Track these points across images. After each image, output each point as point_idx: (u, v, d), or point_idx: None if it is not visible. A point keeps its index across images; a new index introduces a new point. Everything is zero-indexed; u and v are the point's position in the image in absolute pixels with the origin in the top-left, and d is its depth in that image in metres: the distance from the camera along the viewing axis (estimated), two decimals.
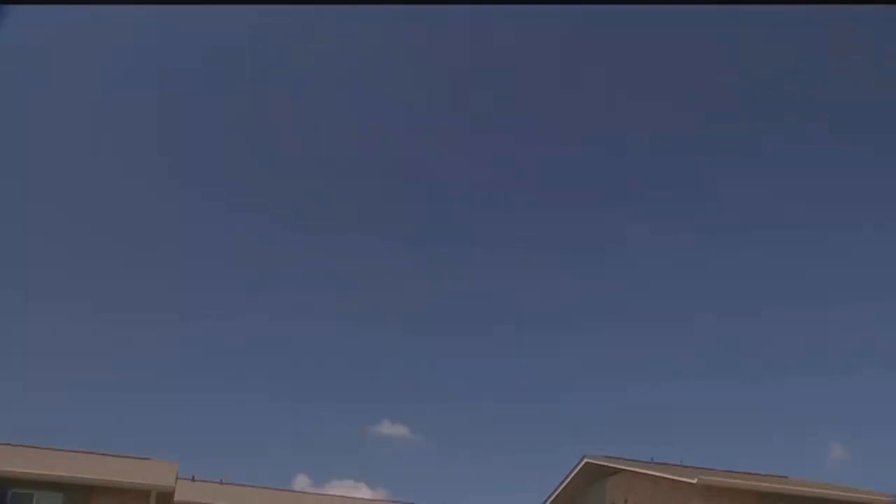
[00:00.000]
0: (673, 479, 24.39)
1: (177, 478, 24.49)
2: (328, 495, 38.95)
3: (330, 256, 66.32)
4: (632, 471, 26.73)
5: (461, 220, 66.03)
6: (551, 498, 30.30)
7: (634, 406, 73.66)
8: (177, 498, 25.55)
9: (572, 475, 29.10)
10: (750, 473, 27.84)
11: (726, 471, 27.25)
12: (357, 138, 57.77)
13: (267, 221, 63.33)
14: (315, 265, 68.20)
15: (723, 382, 72.71)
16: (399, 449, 76.80)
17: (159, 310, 68.25)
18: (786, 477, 29.55)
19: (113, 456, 26.16)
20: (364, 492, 62.36)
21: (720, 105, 51.42)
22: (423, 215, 66.70)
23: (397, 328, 77.99)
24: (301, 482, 74.76)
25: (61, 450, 26.17)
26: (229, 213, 61.54)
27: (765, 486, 24.78)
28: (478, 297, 74.58)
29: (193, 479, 31.87)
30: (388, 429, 77.53)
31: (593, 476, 28.50)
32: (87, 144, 52.02)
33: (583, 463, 28.50)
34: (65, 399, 70.00)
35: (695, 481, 23.23)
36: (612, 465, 27.60)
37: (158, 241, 62.46)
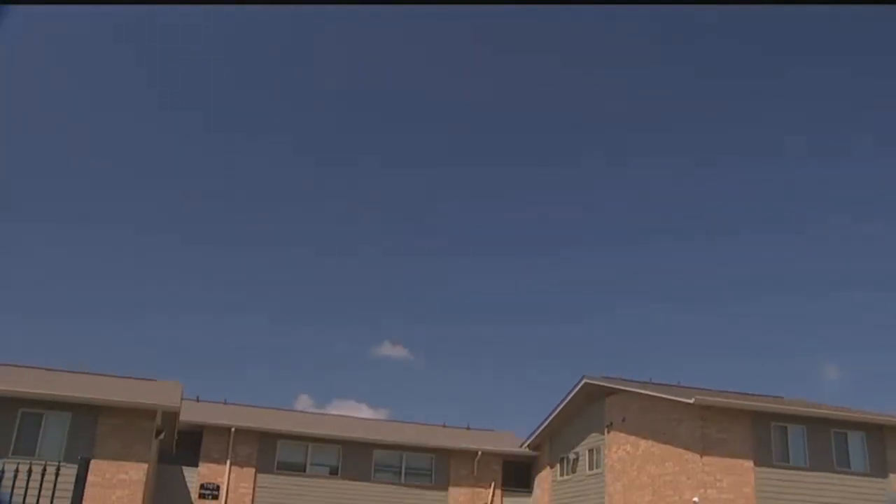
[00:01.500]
0: (670, 399, 24.78)
1: (181, 398, 24.88)
2: (330, 414, 39.70)
3: (337, 179, 66.40)
4: (629, 391, 27.15)
5: (459, 144, 65.80)
6: (550, 417, 30.88)
7: (634, 328, 74.44)
8: (182, 418, 26.01)
9: (571, 395, 29.59)
10: (746, 394, 28.35)
11: (722, 391, 27.73)
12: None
13: (290, 153, 63.39)
14: (321, 191, 68.15)
15: (721, 305, 73.40)
16: (399, 369, 77.83)
17: (160, 231, 68.31)
18: (781, 398, 30.11)
19: (119, 377, 26.53)
20: (365, 411, 63.48)
21: None
22: (420, 142, 66.55)
23: (398, 250, 78.32)
24: (303, 402, 75.91)
25: (69, 371, 26.54)
26: (249, 140, 61.59)
27: (760, 405, 25.22)
28: (477, 219, 74.64)
29: (198, 400, 32.41)
30: (388, 350, 78.47)
31: (592, 396, 28.98)
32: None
33: (582, 383, 28.94)
34: (70, 324, 70.60)
35: (692, 401, 23.61)
36: (610, 385, 28.03)
37: (158, 165, 62.24)
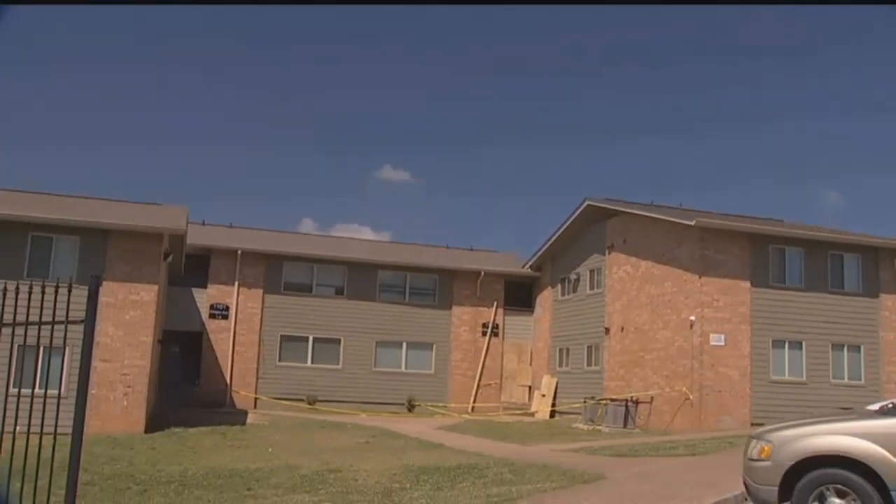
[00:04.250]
0: (671, 221, 25.00)
1: (187, 221, 25.12)
2: (335, 237, 40.24)
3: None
4: (631, 213, 27.35)
5: None
6: (552, 239, 31.31)
7: (635, 154, 74.11)
8: (189, 241, 26.39)
9: (573, 217, 29.87)
10: (745, 216, 28.57)
11: (723, 213, 27.94)
12: None
13: None
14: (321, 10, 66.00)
15: (723, 129, 72.73)
16: (402, 193, 78.14)
17: (163, 63, 66.78)
18: (780, 221, 30.38)
19: (126, 202, 26.69)
20: (368, 235, 64.33)
21: None
22: None
23: (399, 73, 76.72)
24: (307, 225, 76.88)
25: (78, 196, 26.68)
26: None
27: (759, 228, 25.48)
28: (485, 43, 72.64)
29: (204, 224, 32.76)
30: (390, 173, 78.54)
31: (594, 218, 29.24)
32: None
33: (584, 205, 29.14)
34: (78, 152, 70.32)
35: (692, 223, 23.83)
36: (611, 207, 28.23)
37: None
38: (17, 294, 5.85)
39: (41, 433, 5.96)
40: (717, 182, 78.22)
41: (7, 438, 5.85)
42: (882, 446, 8.18)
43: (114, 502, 12.51)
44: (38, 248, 21.76)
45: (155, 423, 22.26)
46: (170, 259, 24.53)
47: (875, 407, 10.46)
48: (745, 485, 9.26)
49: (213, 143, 78.55)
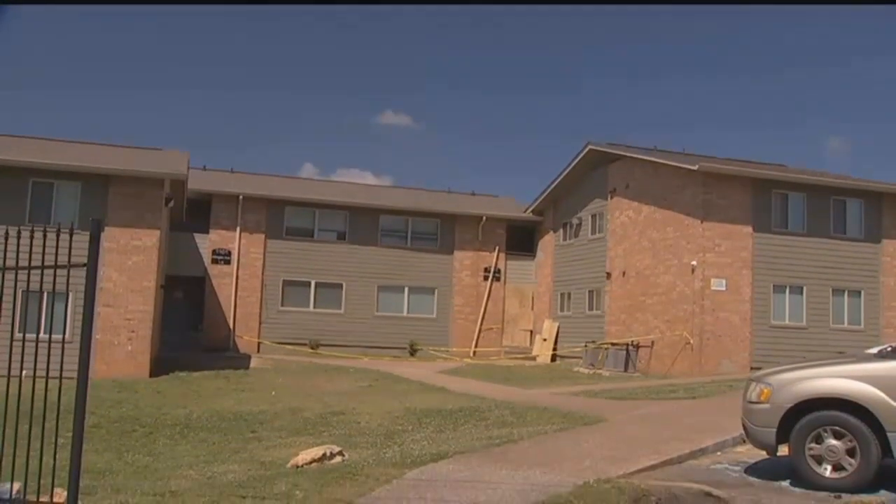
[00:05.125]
0: (674, 166, 24.88)
1: (188, 166, 25.03)
2: (336, 181, 40.12)
3: None
4: (634, 157, 27.21)
5: None
6: (554, 183, 31.21)
7: (638, 99, 73.37)
8: (190, 186, 26.33)
9: (575, 162, 29.73)
10: (749, 161, 28.42)
11: (726, 158, 27.78)
12: None
13: None
14: None
15: (728, 74, 71.87)
16: (402, 137, 77.67)
17: (162, 7, 65.76)
18: (784, 165, 30.23)
19: (127, 147, 26.57)
20: (369, 179, 64.15)
21: None
22: None
23: (399, 16, 75.65)
24: (308, 171, 76.60)
25: (79, 142, 26.54)
26: None
27: (763, 172, 25.38)
28: None
29: (205, 169, 32.66)
30: (390, 118, 77.95)
31: (596, 163, 29.11)
32: None
33: (586, 149, 28.97)
34: (77, 96, 69.69)
35: (695, 167, 23.72)
36: (614, 151, 28.08)
37: None
38: (18, 238, 5.84)
39: (47, 377, 6.01)
40: (721, 127, 77.70)
41: (14, 383, 5.91)
42: (880, 389, 8.25)
43: (120, 444, 12.69)
44: (39, 194, 21.74)
45: (159, 367, 22.48)
46: (171, 204, 24.50)
47: (874, 351, 10.52)
48: (744, 427, 9.37)
49: (212, 88, 77.94)
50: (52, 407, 5.82)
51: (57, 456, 5.99)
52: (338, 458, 10.06)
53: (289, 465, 9.84)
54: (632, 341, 25.67)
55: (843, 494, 8.04)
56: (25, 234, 5.95)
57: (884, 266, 25.15)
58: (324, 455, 9.96)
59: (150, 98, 74.65)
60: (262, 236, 30.31)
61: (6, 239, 5.98)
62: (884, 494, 8.09)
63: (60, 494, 5.88)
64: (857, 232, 25.14)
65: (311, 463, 9.71)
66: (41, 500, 5.85)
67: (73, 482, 5.74)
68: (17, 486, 5.99)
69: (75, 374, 5.75)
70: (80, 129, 73.07)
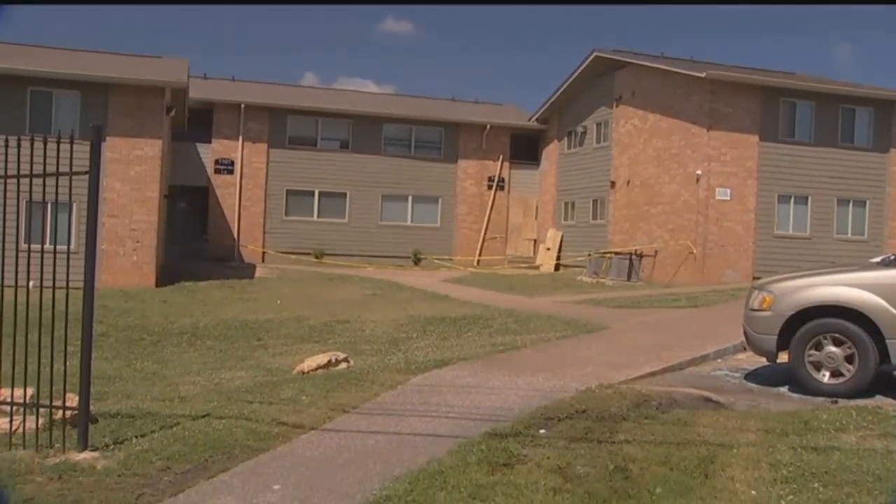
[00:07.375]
0: (681, 73, 24.47)
1: (188, 74, 24.69)
2: (339, 89, 39.67)
3: None
4: (640, 65, 26.75)
5: None
6: (559, 91, 30.80)
7: (646, 8, 71.73)
8: (191, 95, 26.05)
9: (581, 68, 29.26)
10: (757, 69, 27.93)
11: (734, 66, 27.32)
12: None
13: None
14: None
15: None
16: (404, 45, 76.34)
17: None
18: (792, 73, 29.73)
19: (126, 55, 26.16)
20: (371, 88, 63.34)
21: None
22: None
23: None
24: (309, 79, 75.58)
25: (78, 50, 26.12)
26: None
27: (771, 80, 24.95)
28: None
29: (205, 77, 32.25)
30: (391, 25, 76.44)
31: (602, 70, 28.64)
32: None
33: (592, 56, 28.48)
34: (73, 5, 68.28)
35: (703, 75, 23.35)
36: (620, 58, 27.58)
37: None
38: (18, 146, 5.80)
39: (53, 287, 6.06)
40: (729, 36, 76.10)
41: (21, 293, 5.96)
42: (881, 296, 8.31)
43: (129, 352, 12.90)
44: (39, 103, 21.54)
45: (165, 277, 22.66)
46: (172, 113, 24.26)
47: (877, 260, 10.53)
48: (745, 334, 9.47)
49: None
50: (60, 316, 5.88)
51: (67, 363, 6.10)
52: (343, 365, 10.23)
53: (295, 372, 10.02)
54: (635, 250, 25.74)
55: (840, 400, 8.18)
56: (25, 143, 5.90)
57: (891, 176, 24.97)
58: (329, 362, 10.13)
59: (149, 7, 73.08)
60: (265, 145, 30.12)
61: (6, 147, 5.94)
62: (879, 399, 8.25)
63: (72, 399, 6.01)
64: (865, 141, 24.88)
65: (316, 370, 9.88)
66: (54, 403, 5.98)
67: (83, 387, 5.85)
68: (30, 390, 6.11)
69: (81, 285, 5.80)
70: (79, 38, 71.78)
